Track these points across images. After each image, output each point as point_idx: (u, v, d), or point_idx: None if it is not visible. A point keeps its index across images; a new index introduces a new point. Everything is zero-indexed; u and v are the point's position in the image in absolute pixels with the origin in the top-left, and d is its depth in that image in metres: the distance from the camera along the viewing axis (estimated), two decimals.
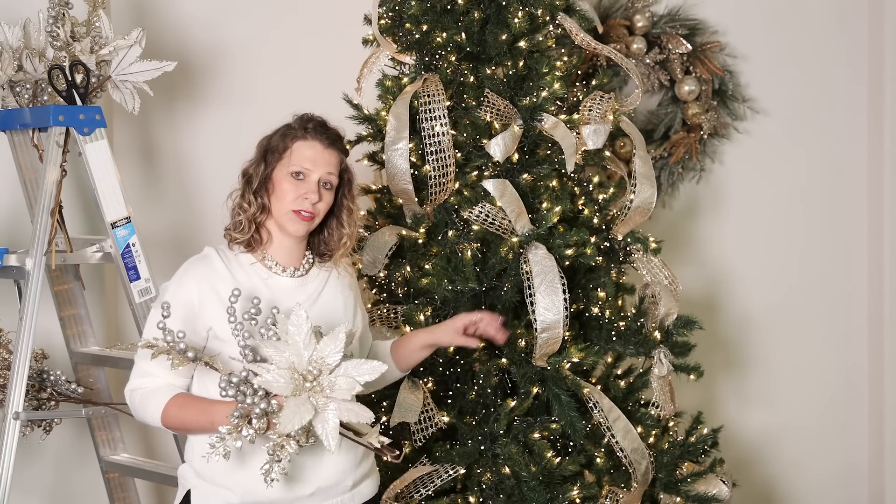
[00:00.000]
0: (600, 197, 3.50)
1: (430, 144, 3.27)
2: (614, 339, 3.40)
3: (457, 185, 3.33)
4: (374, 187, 3.55)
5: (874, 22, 4.56)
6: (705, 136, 4.50)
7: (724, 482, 3.50)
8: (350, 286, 2.68)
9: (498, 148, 3.28)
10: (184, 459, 2.73)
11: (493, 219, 3.25)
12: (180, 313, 2.48)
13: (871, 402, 4.66)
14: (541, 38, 3.41)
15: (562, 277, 3.19)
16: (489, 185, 3.25)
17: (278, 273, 2.55)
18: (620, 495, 3.31)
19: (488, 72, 3.35)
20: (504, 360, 3.27)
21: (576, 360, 3.23)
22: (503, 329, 2.71)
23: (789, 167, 4.62)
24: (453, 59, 3.36)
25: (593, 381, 3.40)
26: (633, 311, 3.48)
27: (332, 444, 2.25)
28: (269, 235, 2.57)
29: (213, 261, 2.54)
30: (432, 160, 3.27)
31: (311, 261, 2.61)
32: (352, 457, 2.54)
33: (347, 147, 2.64)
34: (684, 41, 4.40)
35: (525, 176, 3.36)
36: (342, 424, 2.35)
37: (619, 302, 3.54)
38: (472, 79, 3.36)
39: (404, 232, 3.33)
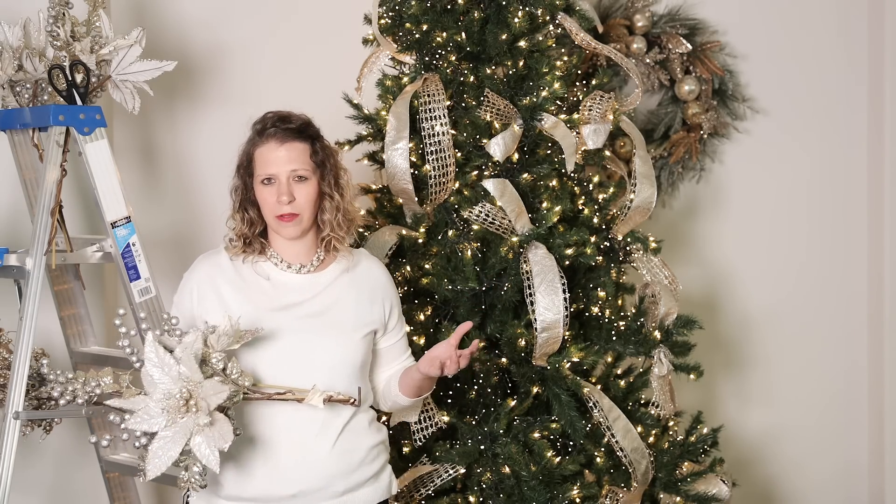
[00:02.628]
0: (600, 196, 3.50)
1: (430, 144, 3.27)
2: (614, 338, 3.40)
3: (457, 185, 3.33)
4: (374, 187, 3.55)
5: (874, 22, 4.56)
6: (705, 136, 4.50)
7: (723, 482, 3.50)
8: (373, 289, 2.64)
9: (498, 147, 3.28)
10: None
11: (493, 218, 3.25)
12: (185, 306, 2.55)
13: (870, 401, 4.66)
14: (541, 38, 3.41)
15: (562, 277, 3.19)
16: (489, 184, 3.25)
17: (284, 269, 2.56)
18: (620, 495, 3.31)
19: (488, 71, 3.35)
20: (504, 359, 3.27)
21: (576, 359, 3.24)
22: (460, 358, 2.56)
23: (789, 167, 4.62)
24: (453, 58, 3.36)
25: (593, 380, 3.40)
26: (633, 311, 3.48)
27: (214, 467, 2.26)
28: (269, 240, 2.58)
29: (220, 256, 2.58)
30: (432, 160, 3.27)
31: (321, 257, 2.60)
32: (345, 462, 2.52)
33: (320, 132, 2.61)
34: (684, 41, 4.40)
35: (525, 175, 3.36)
36: (278, 394, 2.38)
37: (619, 301, 3.54)
38: (472, 78, 3.36)
39: (404, 232, 3.33)
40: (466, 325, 2.57)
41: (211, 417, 2.24)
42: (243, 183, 2.56)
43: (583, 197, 3.46)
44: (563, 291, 3.18)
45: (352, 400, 2.49)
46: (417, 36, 3.38)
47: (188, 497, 2.59)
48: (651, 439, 3.39)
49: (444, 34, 3.33)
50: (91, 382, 2.31)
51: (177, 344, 2.29)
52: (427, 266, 3.31)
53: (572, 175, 3.43)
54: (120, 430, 2.28)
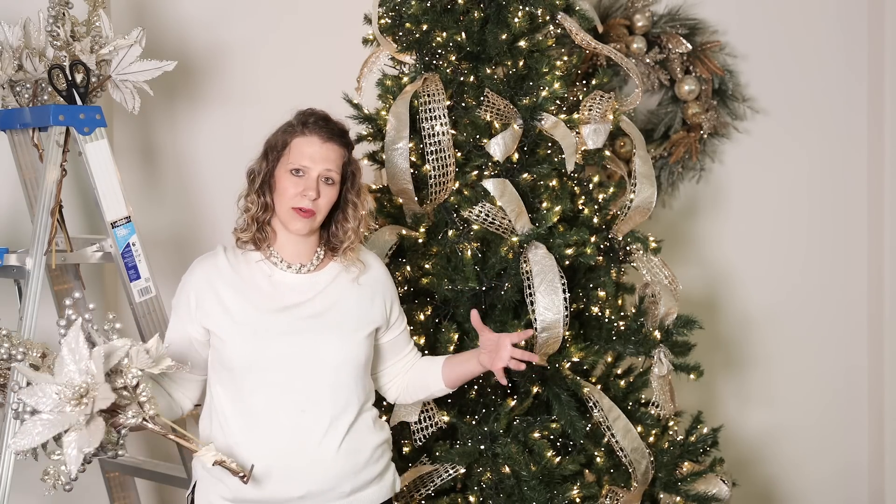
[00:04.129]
0: (600, 196, 3.50)
1: (430, 144, 3.27)
2: (614, 338, 3.40)
3: (457, 185, 3.33)
4: (374, 187, 3.55)
5: (874, 21, 4.56)
6: (705, 136, 4.50)
7: (723, 482, 3.50)
8: (373, 286, 2.64)
9: (498, 147, 3.28)
10: (183, 458, 2.75)
11: (493, 218, 3.25)
12: (183, 311, 2.51)
13: (870, 401, 4.66)
14: (541, 38, 3.41)
15: (562, 277, 3.19)
16: (489, 184, 3.25)
17: (283, 269, 2.55)
18: (620, 495, 3.31)
19: (488, 71, 3.35)
20: None
21: (576, 359, 3.24)
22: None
23: (789, 167, 4.62)
24: (453, 58, 3.36)
25: (593, 380, 3.40)
26: (633, 311, 3.48)
27: (71, 470, 2.20)
28: (275, 232, 2.57)
29: (218, 258, 2.56)
30: (432, 160, 3.27)
31: (320, 256, 2.60)
32: (351, 463, 2.52)
33: (352, 141, 2.63)
34: (684, 41, 4.40)
35: (525, 175, 3.36)
36: (177, 434, 2.34)
37: (619, 301, 3.54)
38: (472, 78, 3.36)
39: (404, 231, 3.33)
40: (527, 333, 2.64)
41: (89, 417, 2.21)
42: (268, 166, 2.55)
43: (583, 197, 3.47)
44: (563, 291, 3.18)
45: (242, 474, 2.38)
46: (417, 36, 3.38)
47: (192, 498, 2.59)
48: (651, 439, 3.39)
49: (444, 34, 3.33)
50: (20, 348, 2.31)
51: (103, 342, 2.27)
52: (427, 266, 3.31)
53: (572, 175, 3.43)
54: (8, 392, 2.28)
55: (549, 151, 3.40)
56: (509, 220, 3.24)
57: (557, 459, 3.22)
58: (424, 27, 3.36)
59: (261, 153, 2.58)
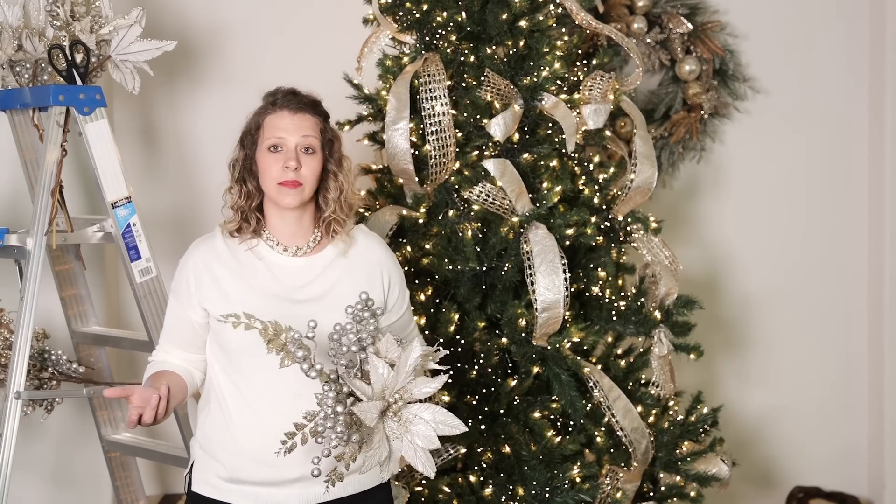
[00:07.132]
0: (601, 177, 3.50)
1: (431, 124, 3.27)
2: (614, 318, 3.41)
3: (457, 165, 3.33)
4: (374, 167, 3.55)
5: (876, 1, 4.55)
6: (706, 116, 4.49)
7: (723, 461, 3.51)
8: (371, 268, 2.59)
9: (498, 128, 3.28)
10: (184, 437, 2.75)
11: (493, 199, 3.25)
12: (183, 294, 2.51)
13: (870, 382, 4.66)
14: (541, 18, 3.40)
15: (562, 257, 3.20)
16: (489, 164, 3.25)
17: (280, 252, 2.54)
18: (620, 474, 3.32)
19: (489, 51, 3.35)
20: (504, 339, 3.27)
21: (576, 339, 3.24)
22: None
23: (790, 147, 4.61)
24: (454, 38, 3.35)
25: (593, 360, 3.41)
26: (634, 291, 3.48)
27: (386, 475, 2.25)
28: (265, 218, 2.55)
29: (216, 240, 2.54)
30: (433, 140, 3.27)
31: (318, 238, 2.58)
32: None
33: (328, 111, 2.58)
34: (685, 21, 4.39)
35: (525, 156, 3.36)
36: None
37: (620, 282, 3.54)
38: (472, 58, 3.36)
39: (405, 212, 3.33)
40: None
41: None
42: (245, 153, 2.54)
43: (583, 177, 3.46)
44: (564, 271, 3.18)
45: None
46: (418, 16, 3.37)
47: (190, 478, 2.60)
48: (651, 419, 3.40)
49: (445, 14, 3.33)
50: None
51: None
52: (427, 246, 3.31)
53: (573, 155, 3.43)
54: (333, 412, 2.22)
55: (549, 132, 3.40)
56: (510, 201, 3.24)
57: (558, 439, 3.23)
58: (425, 7, 3.35)
59: (237, 143, 2.57)
